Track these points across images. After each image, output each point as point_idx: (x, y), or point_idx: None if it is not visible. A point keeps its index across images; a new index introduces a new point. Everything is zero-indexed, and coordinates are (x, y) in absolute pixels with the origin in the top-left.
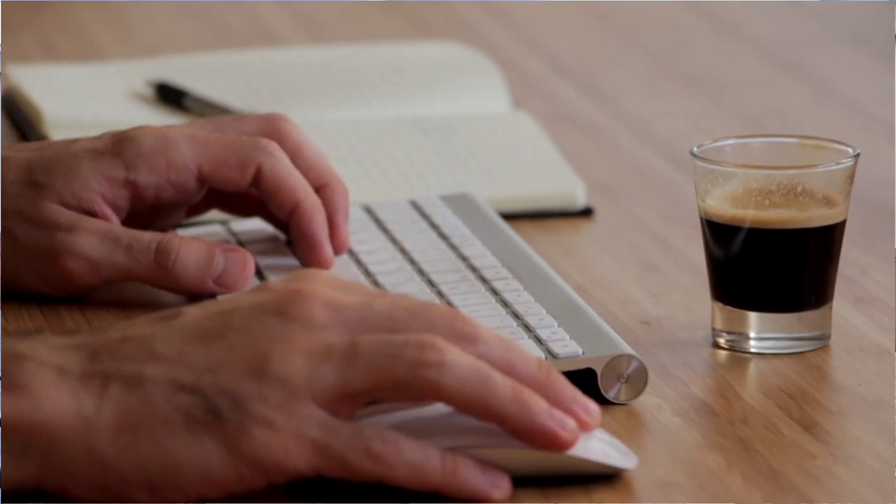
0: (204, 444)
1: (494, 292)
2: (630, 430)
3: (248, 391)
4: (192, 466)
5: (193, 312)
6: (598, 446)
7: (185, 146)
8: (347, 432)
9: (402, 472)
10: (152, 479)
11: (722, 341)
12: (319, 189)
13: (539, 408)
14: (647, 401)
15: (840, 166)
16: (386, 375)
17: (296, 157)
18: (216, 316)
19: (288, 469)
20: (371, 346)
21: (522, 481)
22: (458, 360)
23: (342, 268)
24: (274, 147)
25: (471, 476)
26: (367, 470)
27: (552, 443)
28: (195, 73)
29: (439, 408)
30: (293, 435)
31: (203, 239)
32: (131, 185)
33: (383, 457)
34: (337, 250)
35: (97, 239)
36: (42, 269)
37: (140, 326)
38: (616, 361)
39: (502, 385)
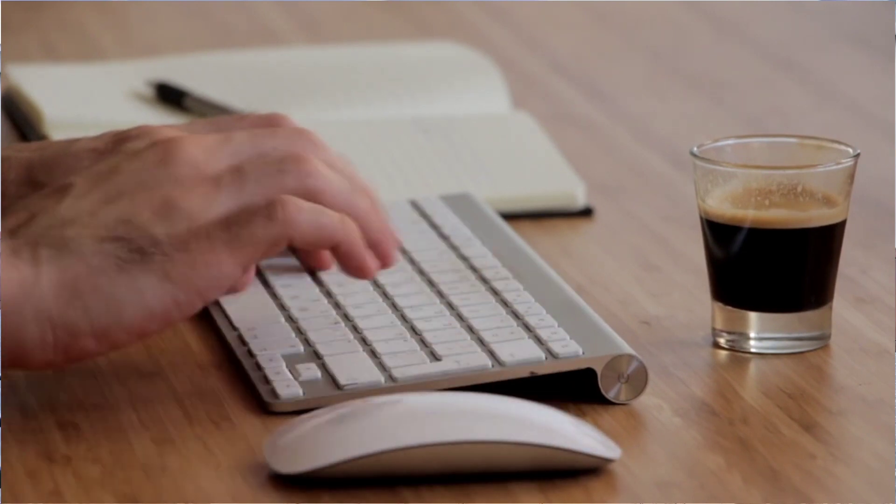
0: (137, 280)
1: (494, 292)
2: (630, 430)
3: (161, 230)
4: (132, 303)
5: (82, 183)
6: (584, 440)
7: None
8: (244, 213)
9: (305, 227)
10: (97, 325)
11: (722, 341)
12: None
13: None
14: (647, 401)
15: (840, 166)
16: (276, 190)
17: None
18: (106, 180)
19: (216, 277)
20: (255, 168)
21: (522, 479)
22: (322, 168)
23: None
24: None
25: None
26: (275, 234)
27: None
28: (195, 73)
29: (435, 397)
30: (209, 248)
31: None
32: None
33: (284, 217)
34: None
35: None
36: None
37: (38, 203)
38: (616, 361)
39: (361, 182)
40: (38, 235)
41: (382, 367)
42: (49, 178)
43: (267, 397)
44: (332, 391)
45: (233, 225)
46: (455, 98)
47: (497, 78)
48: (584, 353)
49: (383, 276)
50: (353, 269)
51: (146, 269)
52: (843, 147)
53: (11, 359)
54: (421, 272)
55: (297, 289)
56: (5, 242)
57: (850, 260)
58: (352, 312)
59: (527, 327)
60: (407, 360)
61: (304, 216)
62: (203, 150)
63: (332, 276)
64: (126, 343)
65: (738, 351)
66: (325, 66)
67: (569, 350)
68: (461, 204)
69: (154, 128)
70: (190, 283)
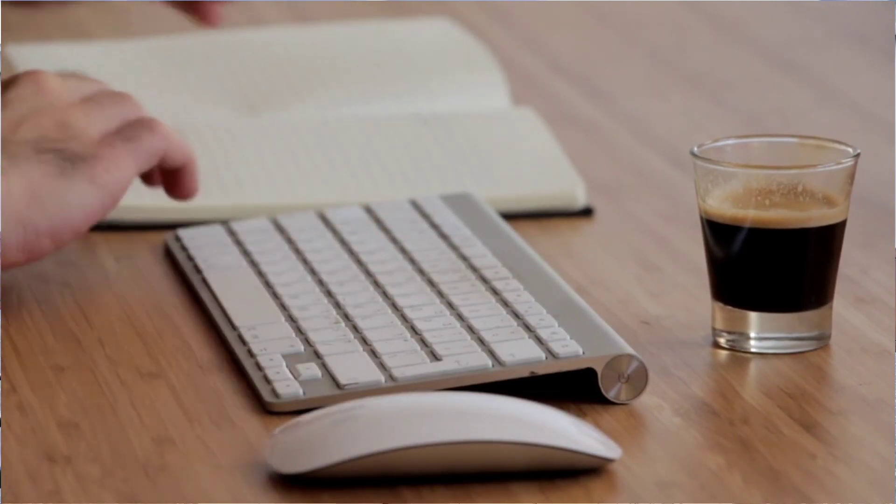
0: (76, 184)
1: (494, 292)
2: (630, 430)
3: (74, 143)
4: (76, 206)
5: None
6: (585, 440)
7: None
8: (131, 127)
9: (175, 142)
10: (53, 225)
11: (722, 341)
12: None
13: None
14: (647, 401)
15: (840, 166)
16: (131, 109)
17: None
18: (2, 110)
19: (123, 180)
20: (104, 95)
21: (522, 479)
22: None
23: (343, 268)
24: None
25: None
26: (158, 145)
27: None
28: (194, 63)
29: (435, 397)
30: (115, 155)
31: None
32: None
33: (163, 131)
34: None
35: None
36: None
37: None
38: (616, 361)
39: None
40: None
41: (382, 366)
42: None
43: (267, 397)
44: (333, 391)
45: (126, 136)
46: (455, 93)
47: (495, 71)
48: (584, 352)
49: (383, 276)
50: (188, 187)
51: (79, 175)
52: (843, 147)
53: None
54: (421, 272)
55: (297, 288)
56: None
57: (850, 260)
58: (352, 312)
59: (527, 327)
60: (407, 360)
61: (174, 134)
62: (59, 83)
63: (333, 276)
64: (68, 242)
65: (738, 351)
66: (326, 64)
67: (569, 350)
68: (461, 204)
69: (21, 75)
70: (107, 185)
